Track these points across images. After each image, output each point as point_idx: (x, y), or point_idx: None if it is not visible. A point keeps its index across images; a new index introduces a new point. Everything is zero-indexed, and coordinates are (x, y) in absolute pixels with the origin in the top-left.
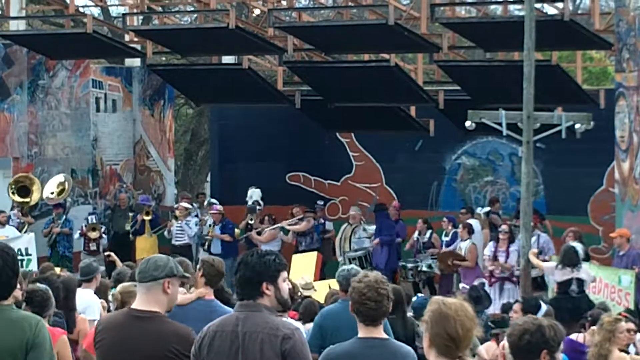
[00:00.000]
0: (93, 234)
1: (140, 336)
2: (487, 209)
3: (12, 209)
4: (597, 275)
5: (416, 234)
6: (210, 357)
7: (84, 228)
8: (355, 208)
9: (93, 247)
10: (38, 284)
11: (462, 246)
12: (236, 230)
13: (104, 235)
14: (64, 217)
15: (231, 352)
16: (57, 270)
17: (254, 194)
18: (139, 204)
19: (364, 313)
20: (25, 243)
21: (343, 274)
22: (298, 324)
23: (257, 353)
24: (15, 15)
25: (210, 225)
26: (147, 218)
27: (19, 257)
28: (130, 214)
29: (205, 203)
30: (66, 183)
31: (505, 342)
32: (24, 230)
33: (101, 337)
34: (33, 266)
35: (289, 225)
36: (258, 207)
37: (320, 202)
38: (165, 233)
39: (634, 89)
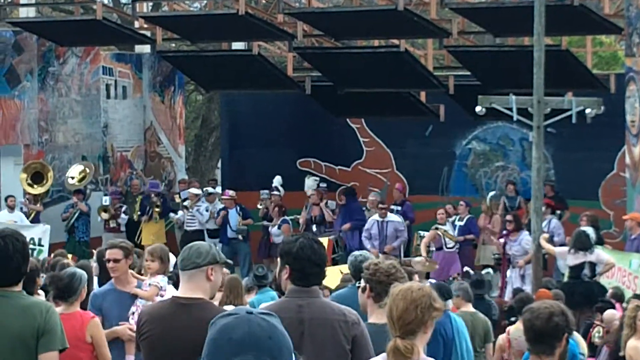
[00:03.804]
0: (104, 215)
1: (187, 323)
2: (492, 192)
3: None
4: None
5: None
6: None
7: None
8: (374, 193)
9: (113, 224)
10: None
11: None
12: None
13: (124, 215)
14: (83, 202)
15: (294, 337)
16: (70, 257)
17: (275, 180)
18: (149, 190)
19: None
20: (40, 233)
21: (352, 259)
22: None
23: (328, 338)
24: (25, 2)
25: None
26: (157, 210)
27: (31, 247)
28: (139, 197)
29: (204, 190)
30: (87, 169)
31: (511, 328)
32: (30, 217)
33: (147, 328)
34: (43, 256)
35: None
36: (276, 193)
37: (324, 185)
38: (179, 218)
39: None
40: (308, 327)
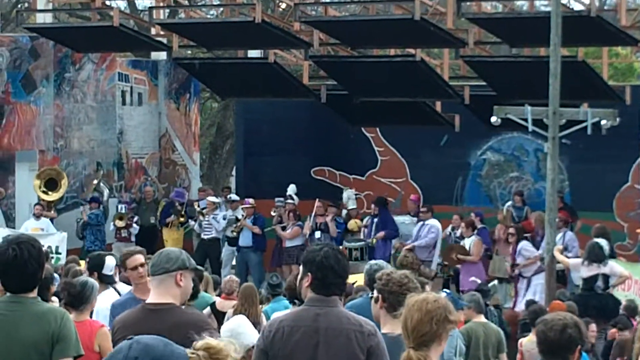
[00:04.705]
0: (119, 223)
1: (155, 328)
2: (509, 203)
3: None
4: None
5: (449, 228)
6: (286, 352)
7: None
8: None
9: (124, 234)
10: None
11: (467, 242)
12: None
13: (135, 225)
14: (95, 211)
15: (309, 346)
16: (82, 264)
17: (290, 188)
18: (175, 198)
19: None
20: (57, 241)
21: (368, 269)
22: None
23: (342, 348)
24: (42, 8)
25: (233, 223)
26: (181, 220)
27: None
28: (162, 203)
29: (228, 197)
30: (96, 176)
31: (524, 340)
32: None
33: (119, 335)
34: (60, 264)
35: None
36: (290, 201)
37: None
38: (196, 227)
39: None
40: (324, 336)
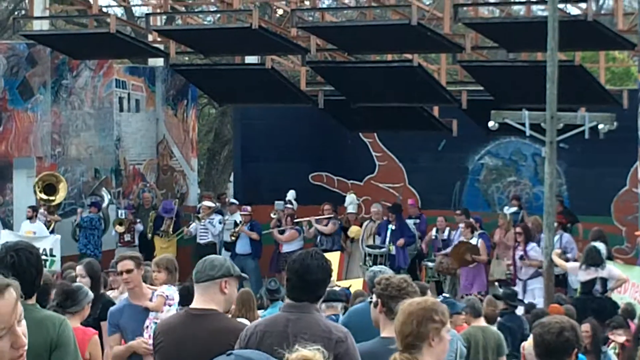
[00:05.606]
0: (119, 228)
1: (197, 334)
2: (514, 209)
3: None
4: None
5: (434, 231)
6: None
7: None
8: (377, 205)
9: (127, 238)
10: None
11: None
12: None
13: (139, 225)
14: (90, 214)
15: (281, 353)
16: (78, 269)
17: (289, 194)
18: (162, 213)
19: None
20: (51, 244)
21: (370, 275)
22: None
23: None
24: (39, 15)
25: (231, 227)
26: (170, 233)
27: (43, 258)
28: (153, 214)
29: (227, 200)
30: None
31: (525, 343)
32: (51, 228)
33: (160, 339)
34: (56, 267)
35: (316, 221)
36: (290, 206)
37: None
38: (185, 234)
39: None
40: (292, 343)
